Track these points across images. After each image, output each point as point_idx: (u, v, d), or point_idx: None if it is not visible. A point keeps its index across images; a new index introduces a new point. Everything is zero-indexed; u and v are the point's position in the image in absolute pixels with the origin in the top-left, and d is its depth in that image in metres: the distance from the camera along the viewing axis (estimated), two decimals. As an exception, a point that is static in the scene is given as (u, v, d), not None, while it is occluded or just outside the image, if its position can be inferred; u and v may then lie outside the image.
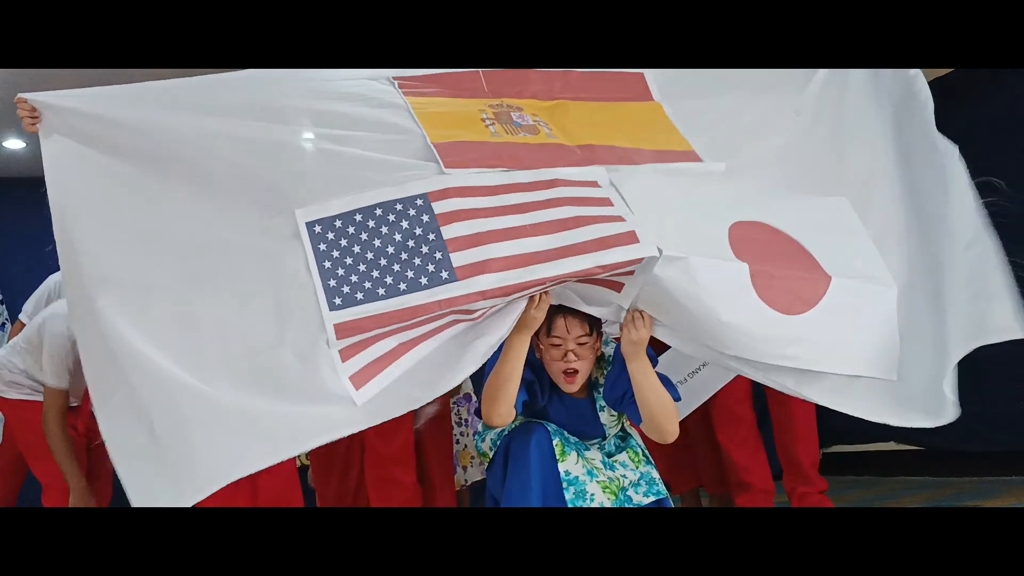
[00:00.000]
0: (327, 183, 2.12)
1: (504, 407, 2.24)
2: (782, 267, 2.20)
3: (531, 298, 2.15)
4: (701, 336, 2.22)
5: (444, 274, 2.02)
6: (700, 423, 3.29)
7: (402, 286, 2.02)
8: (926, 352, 2.25)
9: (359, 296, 2.02)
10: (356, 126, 2.21)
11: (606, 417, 2.43)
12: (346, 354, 2.03)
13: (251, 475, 1.99)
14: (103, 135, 2.17)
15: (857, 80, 2.57)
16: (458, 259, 2.04)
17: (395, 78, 2.35)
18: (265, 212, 2.11)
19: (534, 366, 2.33)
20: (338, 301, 2.01)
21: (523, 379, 2.26)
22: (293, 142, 2.17)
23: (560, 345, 2.31)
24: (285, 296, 2.05)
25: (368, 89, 2.31)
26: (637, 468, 2.35)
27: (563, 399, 2.41)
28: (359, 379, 2.04)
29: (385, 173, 2.14)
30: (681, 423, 2.43)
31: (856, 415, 2.26)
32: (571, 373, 2.33)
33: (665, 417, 2.27)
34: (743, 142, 2.46)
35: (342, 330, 2.01)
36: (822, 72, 2.56)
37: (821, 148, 2.49)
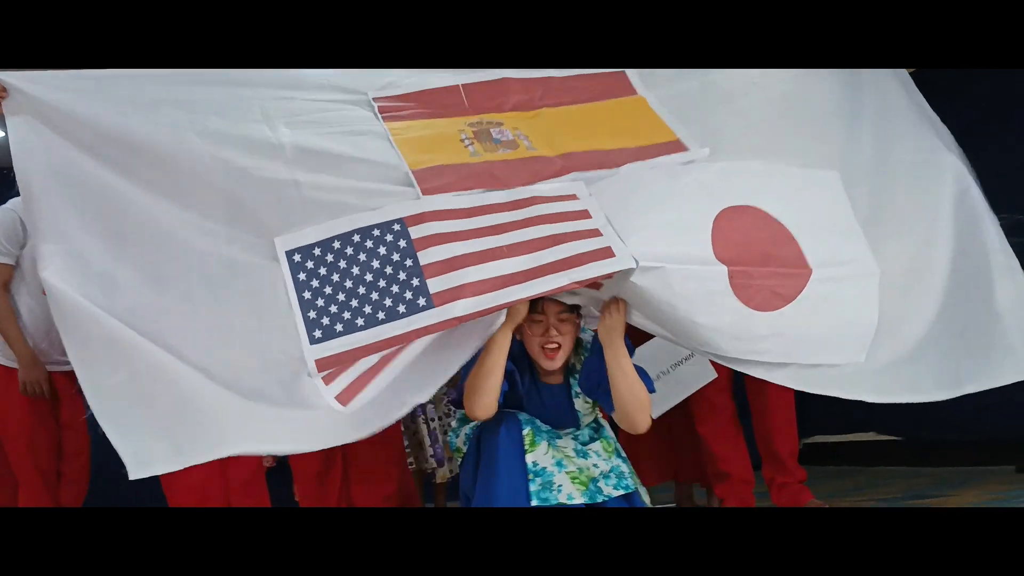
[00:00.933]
0: (306, 210, 2.14)
1: (488, 398, 2.24)
2: (764, 264, 2.21)
3: None
4: (677, 335, 2.25)
5: (421, 301, 2.05)
6: (679, 413, 3.29)
7: (380, 315, 2.05)
8: (910, 329, 2.29)
9: (338, 328, 2.04)
10: (336, 157, 2.22)
11: (581, 404, 2.43)
12: (328, 379, 2.09)
13: (223, 464, 2.02)
14: (72, 130, 2.18)
15: (851, 75, 2.56)
16: (434, 285, 2.06)
17: (375, 99, 2.35)
18: (242, 231, 2.14)
19: (514, 355, 2.33)
20: (318, 334, 2.04)
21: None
22: (274, 173, 2.17)
23: (541, 321, 2.34)
24: (267, 324, 2.09)
25: (347, 117, 2.32)
26: (609, 459, 2.35)
27: (539, 387, 2.41)
28: (345, 396, 2.09)
29: (362, 199, 2.16)
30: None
31: (828, 394, 2.27)
32: (553, 349, 2.34)
33: (636, 407, 2.28)
34: (733, 122, 2.45)
35: (323, 364, 2.05)
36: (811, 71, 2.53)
37: (815, 127, 2.48)
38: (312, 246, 2.10)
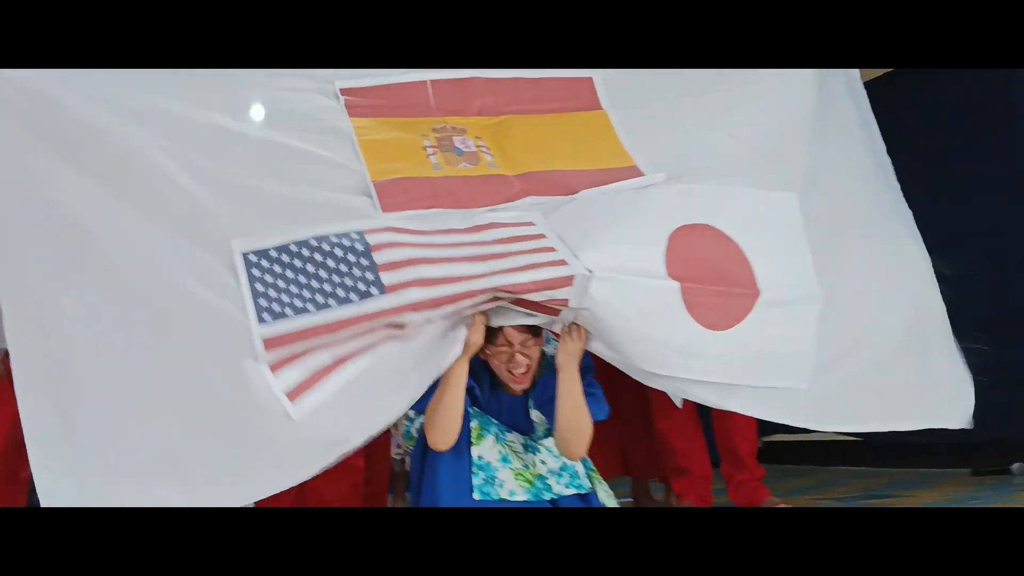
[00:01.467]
0: (265, 221, 2.11)
1: (449, 435, 2.22)
2: (716, 282, 2.22)
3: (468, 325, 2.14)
4: (632, 354, 2.23)
5: (374, 291, 2.03)
6: (637, 408, 3.28)
7: (331, 302, 2.02)
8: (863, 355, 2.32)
9: (288, 312, 2.01)
10: (301, 159, 2.20)
11: (537, 416, 2.41)
12: (276, 367, 2.01)
13: None
14: (32, 128, 2.08)
15: (811, 79, 2.54)
16: (388, 278, 2.05)
17: (342, 90, 2.31)
18: (196, 232, 2.08)
19: (472, 367, 2.28)
20: (267, 317, 2.01)
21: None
22: (235, 177, 2.13)
23: (505, 348, 2.29)
24: (213, 311, 2.03)
25: (314, 107, 2.28)
26: (560, 457, 2.33)
27: (500, 396, 2.39)
28: (294, 393, 2.01)
29: (323, 212, 2.14)
30: (616, 408, 2.42)
31: (777, 421, 2.31)
32: (522, 373, 2.32)
33: (574, 434, 2.26)
34: (691, 147, 2.44)
35: (271, 344, 2.00)
36: (771, 72, 2.51)
37: (772, 146, 2.47)
38: (269, 249, 2.08)
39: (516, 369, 2.29)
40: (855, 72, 2.62)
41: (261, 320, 2.00)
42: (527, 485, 2.24)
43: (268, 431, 2.00)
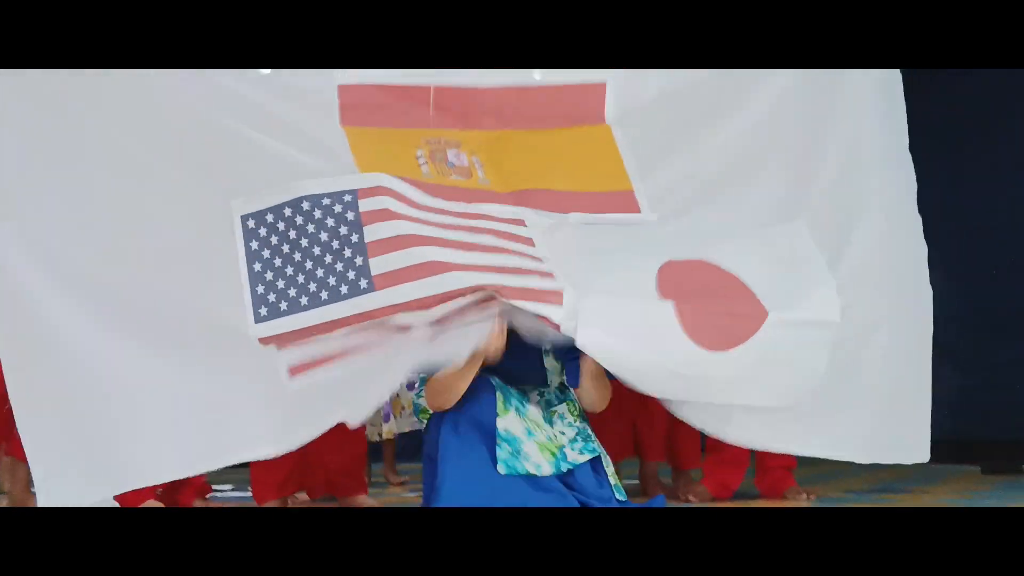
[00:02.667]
0: (261, 171, 2.12)
1: (452, 401, 2.26)
2: (713, 303, 2.13)
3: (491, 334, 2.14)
4: (629, 377, 2.15)
5: (363, 283, 2.06)
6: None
7: (323, 295, 2.07)
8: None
9: (283, 306, 2.08)
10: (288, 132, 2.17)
11: (551, 363, 2.39)
12: (283, 343, 2.11)
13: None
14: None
15: (828, 81, 2.32)
16: (376, 266, 2.07)
17: (341, 87, 2.22)
18: (196, 191, 2.11)
19: None
20: (263, 312, 2.08)
21: None
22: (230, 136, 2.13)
23: None
24: (218, 299, 2.10)
25: (306, 116, 2.21)
26: (574, 423, 2.33)
27: (509, 339, 2.28)
28: (297, 369, 2.09)
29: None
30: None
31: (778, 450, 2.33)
32: None
33: (603, 383, 2.32)
34: (692, 180, 2.29)
35: (267, 343, 2.08)
36: (783, 78, 2.31)
37: (779, 165, 2.31)
38: (266, 212, 2.10)
39: None
40: (895, 73, 2.35)
41: (257, 317, 2.07)
42: (551, 457, 2.24)
43: (264, 395, 2.08)
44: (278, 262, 2.09)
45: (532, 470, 2.21)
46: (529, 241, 2.16)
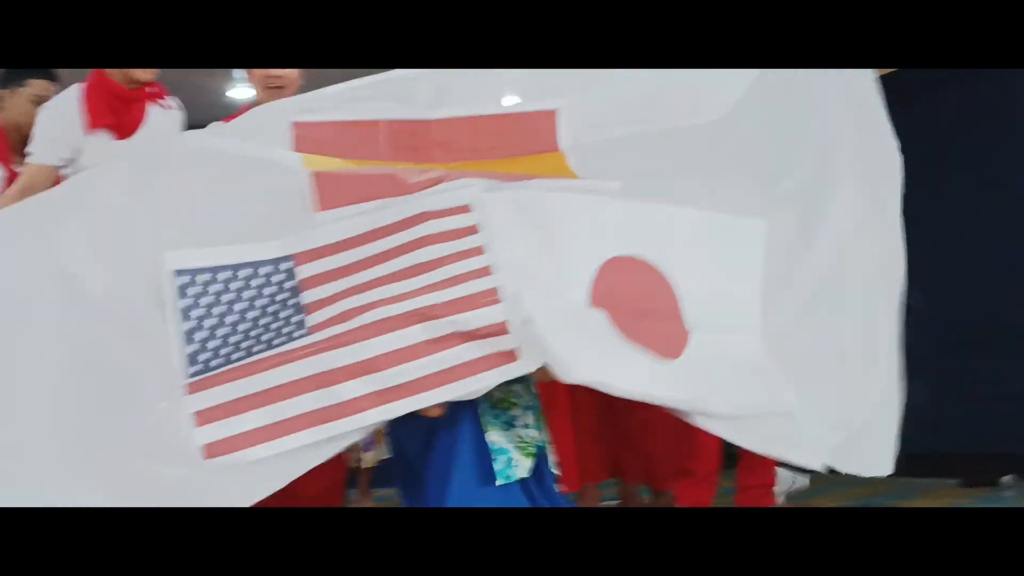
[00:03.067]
0: (202, 232, 2.07)
1: None
2: (641, 315, 2.12)
3: None
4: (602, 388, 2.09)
5: (296, 333, 2.02)
6: (632, 407, 3.26)
7: (255, 349, 2.00)
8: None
9: (213, 363, 1.97)
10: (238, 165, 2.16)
11: None
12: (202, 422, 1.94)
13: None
14: None
15: (801, 81, 2.35)
16: (313, 318, 2.02)
17: (296, 124, 2.24)
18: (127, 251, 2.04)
19: None
20: (192, 370, 1.96)
21: None
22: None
23: None
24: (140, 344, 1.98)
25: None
26: (528, 410, 2.26)
27: None
28: (214, 449, 1.92)
29: (256, 220, 2.09)
30: (611, 408, 2.32)
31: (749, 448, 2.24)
32: None
33: None
34: (652, 179, 2.27)
35: (203, 417, 1.93)
36: (753, 75, 2.34)
37: (744, 166, 2.31)
38: (201, 270, 2.02)
39: None
40: (867, 73, 2.39)
41: (188, 374, 1.95)
42: (532, 459, 2.23)
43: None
44: (208, 323, 2.00)
45: (523, 475, 2.21)
46: (472, 230, 2.10)
